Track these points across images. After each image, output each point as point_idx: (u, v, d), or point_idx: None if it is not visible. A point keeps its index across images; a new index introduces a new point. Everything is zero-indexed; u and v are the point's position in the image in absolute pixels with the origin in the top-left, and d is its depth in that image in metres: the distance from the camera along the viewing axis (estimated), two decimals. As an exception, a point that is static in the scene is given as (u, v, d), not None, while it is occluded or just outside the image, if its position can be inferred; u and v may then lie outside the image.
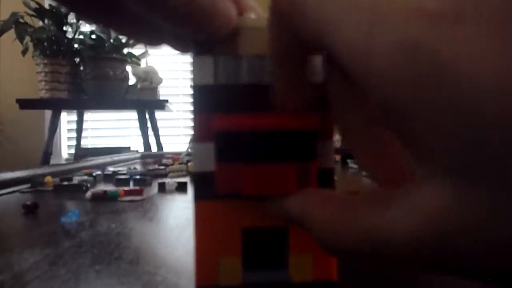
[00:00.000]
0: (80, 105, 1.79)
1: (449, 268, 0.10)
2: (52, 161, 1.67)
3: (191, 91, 0.17)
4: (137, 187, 0.51)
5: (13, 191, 0.53)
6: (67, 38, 1.59)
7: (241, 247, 0.16)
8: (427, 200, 0.10)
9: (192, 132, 0.17)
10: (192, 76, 0.17)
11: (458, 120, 0.09)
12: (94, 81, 1.58)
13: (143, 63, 1.80)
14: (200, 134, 0.17)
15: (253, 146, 0.15)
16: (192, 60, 0.17)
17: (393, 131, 0.11)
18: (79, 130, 1.99)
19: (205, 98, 0.17)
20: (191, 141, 1.04)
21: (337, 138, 0.17)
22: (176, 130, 2.40)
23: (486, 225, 0.09)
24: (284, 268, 0.16)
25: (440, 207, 0.10)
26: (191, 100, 0.17)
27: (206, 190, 0.16)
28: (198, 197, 0.17)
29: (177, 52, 0.21)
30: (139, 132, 1.79)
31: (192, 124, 0.17)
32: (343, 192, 0.15)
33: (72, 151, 2.11)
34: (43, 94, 1.61)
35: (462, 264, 0.10)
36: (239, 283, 0.16)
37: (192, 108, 0.17)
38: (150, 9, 0.16)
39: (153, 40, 0.20)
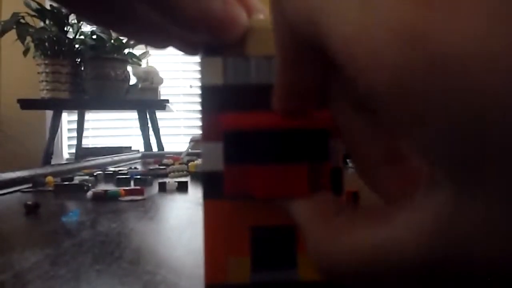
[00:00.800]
0: (81, 105, 1.79)
1: (461, 277, 0.10)
2: (53, 161, 1.67)
3: (199, 91, 0.17)
4: (137, 187, 0.51)
5: (14, 191, 0.54)
6: (68, 39, 1.59)
7: (249, 246, 0.16)
8: (430, 210, 0.10)
9: (200, 132, 0.17)
10: (200, 77, 0.17)
11: (449, 106, 0.08)
12: (95, 81, 1.58)
13: (143, 63, 1.80)
14: (208, 133, 0.16)
15: (263, 146, 0.15)
16: (200, 61, 0.17)
17: (383, 122, 0.11)
18: (80, 130, 1.99)
19: (214, 99, 0.16)
20: (192, 140, 1.04)
21: None
22: (177, 130, 2.40)
23: (492, 229, 0.09)
24: (293, 267, 0.16)
25: (443, 215, 0.10)
26: (199, 100, 0.17)
27: (215, 189, 0.16)
28: (206, 197, 0.16)
29: (180, 53, 0.21)
30: (140, 132, 1.79)
31: (199, 124, 0.17)
32: (347, 206, 0.14)
33: (73, 151, 2.11)
34: (44, 94, 1.62)
35: (474, 271, 0.10)
36: (248, 281, 0.16)
37: (200, 108, 0.17)
38: (163, 16, 0.16)
39: (158, 42, 0.20)
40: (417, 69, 0.09)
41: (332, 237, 0.12)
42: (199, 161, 0.72)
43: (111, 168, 0.78)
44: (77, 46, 1.62)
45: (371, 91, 0.10)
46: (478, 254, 0.09)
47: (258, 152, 0.15)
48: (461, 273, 0.10)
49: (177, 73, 2.39)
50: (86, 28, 1.62)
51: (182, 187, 0.53)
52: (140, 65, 1.78)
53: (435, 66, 0.08)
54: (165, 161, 0.91)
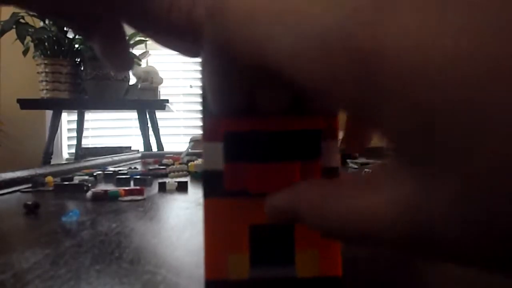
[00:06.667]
0: (80, 105, 1.79)
1: (431, 254, 0.11)
2: (53, 161, 1.67)
3: (200, 94, 0.17)
4: (137, 187, 0.51)
5: (14, 191, 0.54)
6: (68, 38, 1.59)
7: (248, 243, 0.17)
8: (400, 186, 0.10)
9: (201, 132, 0.17)
10: (201, 79, 0.17)
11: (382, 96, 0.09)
12: (95, 81, 1.58)
13: (143, 63, 1.80)
14: (209, 134, 0.17)
15: (259, 145, 0.16)
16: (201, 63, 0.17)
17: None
18: (79, 130, 1.99)
19: None
20: (192, 140, 1.04)
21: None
22: (177, 130, 2.40)
23: (451, 212, 0.09)
24: (291, 264, 0.17)
25: (410, 194, 0.10)
26: (201, 101, 0.17)
27: (215, 188, 0.17)
28: (207, 195, 0.17)
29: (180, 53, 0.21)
30: (140, 132, 1.79)
31: (201, 125, 0.17)
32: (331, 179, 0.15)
33: (73, 151, 2.11)
34: (44, 94, 1.62)
35: (442, 250, 0.10)
36: (247, 277, 0.17)
37: (201, 109, 0.17)
38: (152, 26, 0.16)
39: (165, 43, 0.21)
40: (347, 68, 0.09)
41: (323, 199, 0.13)
42: (198, 161, 0.72)
43: (111, 168, 0.78)
44: (76, 46, 1.62)
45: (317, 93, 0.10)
46: (444, 226, 0.10)
47: (255, 151, 0.16)
48: (430, 251, 0.10)
49: (177, 73, 2.39)
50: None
51: (182, 187, 0.53)
52: (140, 65, 1.78)
53: (364, 63, 0.09)
54: (165, 161, 0.91)
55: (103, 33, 0.20)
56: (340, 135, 0.18)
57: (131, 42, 1.56)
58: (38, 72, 1.62)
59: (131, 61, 0.21)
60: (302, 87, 0.11)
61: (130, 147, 1.93)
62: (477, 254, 0.10)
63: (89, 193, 0.46)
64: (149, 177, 0.60)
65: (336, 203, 0.12)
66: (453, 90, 0.08)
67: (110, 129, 2.39)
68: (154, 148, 1.82)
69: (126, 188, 0.49)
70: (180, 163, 0.78)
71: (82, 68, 1.65)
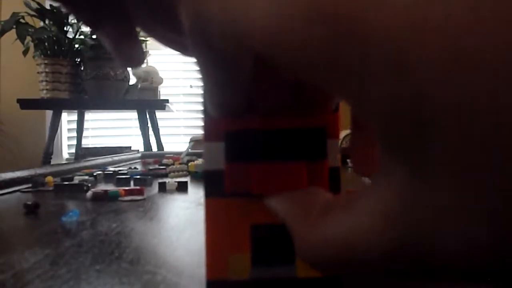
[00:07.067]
0: (80, 105, 1.80)
1: (422, 271, 0.10)
2: (53, 161, 1.67)
3: (200, 92, 0.17)
4: (137, 187, 0.51)
5: (14, 191, 0.54)
6: (68, 38, 1.59)
7: (250, 243, 0.17)
8: (382, 202, 0.10)
9: (202, 132, 0.17)
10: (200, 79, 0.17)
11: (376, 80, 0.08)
12: (95, 81, 1.58)
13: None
14: (210, 133, 0.17)
15: (263, 144, 0.16)
16: None
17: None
18: (79, 130, 1.99)
19: None
20: (192, 140, 1.04)
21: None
22: (177, 130, 2.40)
23: (441, 221, 0.09)
24: (291, 264, 0.17)
25: (399, 199, 0.09)
26: (201, 100, 0.17)
27: (216, 187, 0.17)
28: (208, 195, 0.17)
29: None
30: (140, 132, 1.79)
31: (201, 124, 0.17)
32: (326, 196, 0.14)
33: (73, 151, 2.11)
34: (44, 94, 1.62)
35: (433, 263, 0.09)
36: (248, 277, 0.17)
37: (202, 109, 0.17)
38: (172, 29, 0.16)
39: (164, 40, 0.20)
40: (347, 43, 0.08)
41: (310, 228, 0.12)
42: (199, 161, 0.72)
43: (111, 168, 0.78)
44: (76, 46, 1.62)
45: (305, 73, 0.09)
46: (435, 240, 0.09)
47: (257, 151, 0.16)
48: (424, 262, 0.09)
49: (177, 73, 2.39)
50: (86, 28, 1.62)
51: (182, 187, 0.53)
52: (140, 65, 1.78)
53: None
54: (165, 161, 0.91)
55: (113, 23, 0.19)
56: (341, 134, 0.18)
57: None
58: (38, 72, 1.62)
59: (143, 54, 0.20)
60: (282, 67, 0.10)
61: (130, 147, 1.93)
62: (476, 267, 0.09)
63: (89, 193, 0.46)
64: (149, 177, 0.60)
65: (322, 233, 0.11)
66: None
67: (110, 129, 2.39)
68: (154, 148, 1.82)
69: (126, 188, 0.49)
70: (180, 163, 0.77)
71: (82, 68, 1.65)
